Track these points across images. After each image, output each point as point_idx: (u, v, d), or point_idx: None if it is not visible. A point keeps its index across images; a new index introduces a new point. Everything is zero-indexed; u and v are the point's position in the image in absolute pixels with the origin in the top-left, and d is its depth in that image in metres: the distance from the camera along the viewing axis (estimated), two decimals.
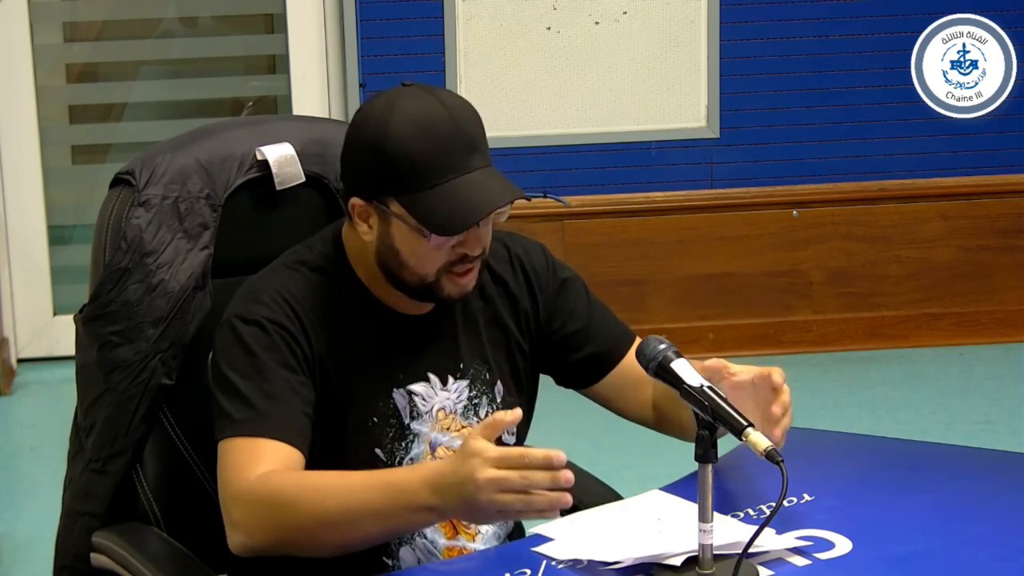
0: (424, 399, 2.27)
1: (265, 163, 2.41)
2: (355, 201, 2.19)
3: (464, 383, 2.30)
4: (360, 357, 2.23)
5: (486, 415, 2.30)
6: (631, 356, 2.33)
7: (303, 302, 2.20)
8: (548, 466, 1.91)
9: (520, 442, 2.36)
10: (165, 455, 2.38)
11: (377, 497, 2.01)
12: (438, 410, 2.27)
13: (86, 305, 2.37)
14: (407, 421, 2.25)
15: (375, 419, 2.24)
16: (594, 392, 2.41)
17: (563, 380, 2.43)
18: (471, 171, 2.15)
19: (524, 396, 2.38)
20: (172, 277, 2.34)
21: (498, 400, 2.33)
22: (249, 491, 2.06)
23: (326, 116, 4.94)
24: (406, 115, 2.14)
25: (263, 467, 2.08)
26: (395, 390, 2.25)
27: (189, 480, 2.39)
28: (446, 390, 2.28)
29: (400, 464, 2.25)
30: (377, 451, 2.24)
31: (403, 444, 2.25)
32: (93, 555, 2.37)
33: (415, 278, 2.20)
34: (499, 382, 2.34)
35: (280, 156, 2.42)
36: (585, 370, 2.39)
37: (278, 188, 2.42)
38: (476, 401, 2.31)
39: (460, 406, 2.29)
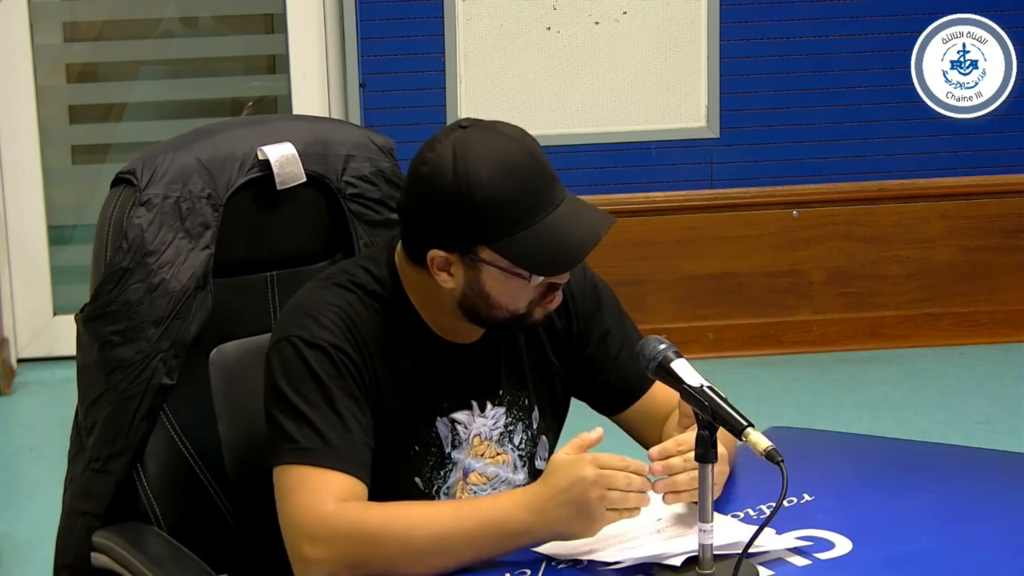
0: (465, 427, 2.26)
1: (266, 163, 2.41)
2: (435, 253, 2.15)
3: (501, 410, 2.29)
4: (408, 385, 2.21)
5: (520, 442, 2.30)
6: (656, 390, 2.33)
7: (362, 328, 2.18)
8: (642, 471, 2.01)
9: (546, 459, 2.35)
10: (166, 455, 2.37)
11: (471, 526, 2.02)
12: (474, 436, 2.27)
13: (87, 305, 2.37)
14: (448, 450, 2.24)
15: (416, 448, 2.23)
16: (620, 420, 2.39)
17: (594, 404, 2.41)
18: (559, 203, 2.14)
19: (558, 420, 2.38)
20: (173, 277, 2.34)
21: (534, 426, 2.32)
22: (327, 526, 2.05)
23: (326, 116, 4.94)
24: (484, 158, 2.11)
25: (334, 500, 2.07)
26: (439, 419, 2.24)
27: (189, 480, 2.39)
28: (484, 416, 2.28)
29: (437, 492, 2.25)
30: (416, 479, 2.24)
31: (441, 473, 2.25)
32: (93, 555, 2.36)
33: (506, 314, 2.18)
34: (536, 408, 2.33)
35: (281, 156, 2.42)
36: (610, 395, 2.38)
37: (279, 188, 2.42)
38: (511, 428, 2.30)
39: (496, 433, 2.29)
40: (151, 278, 2.33)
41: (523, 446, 2.31)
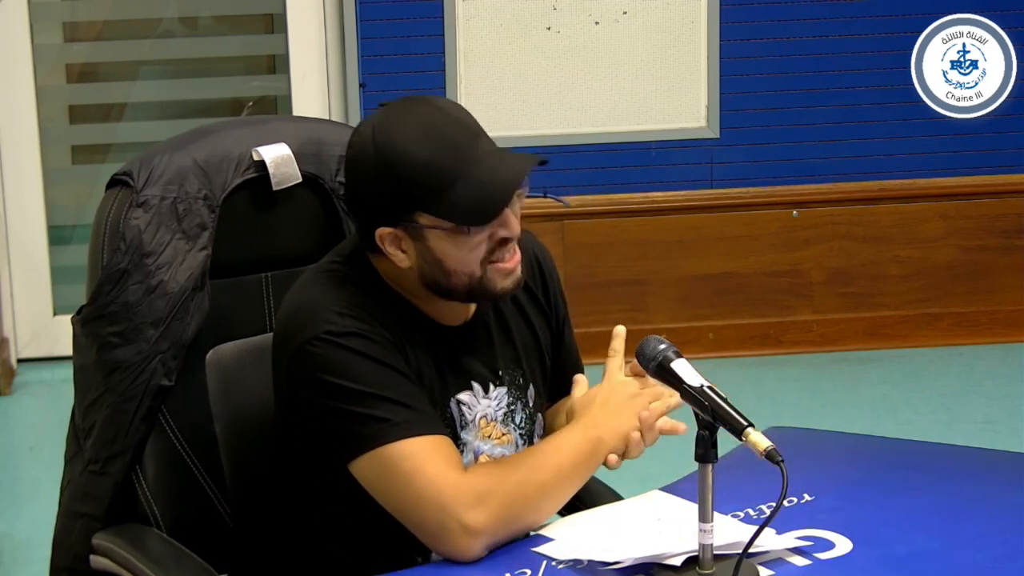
0: (470, 408, 2.26)
1: (262, 163, 2.41)
2: (382, 231, 2.16)
3: (503, 390, 2.30)
4: (421, 370, 2.21)
5: (520, 421, 2.31)
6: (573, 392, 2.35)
7: (374, 315, 2.17)
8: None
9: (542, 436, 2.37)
10: (164, 456, 2.37)
11: (572, 455, 2.15)
12: (480, 418, 2.27)
13: (84, 306, 2.37)
14: (459, 431, 2.25)
15: None
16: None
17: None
18: (483, 155, 2.14)
19: (544, 397, 2.40)
20: (171, 278, 2.34)
21: (530, 404, 2.33)
22: (475, 489, 2.07)
23: (326, 116, 4.94)
24: (400, 130, 2.13)
25: (454, 463, 2.10)
26: (450, 400, 2.24)
27: (189, 481, 2.39)
28: (487, 398, 2.28)
29: None
30: None
31: None
32: (93, 557, 2.36)
33: (464, 279, 2.17)
34: (531, 385, 2.34)
35: (276, 156, 2.42)
36: (554, 381, 2.41)
37: (275, 188, 2.42)
38: (513, 407, 2.31)
39: (500, 413, 2.29)
40: (150, 279, 2.33)
41: (523, 425, 2.32)
